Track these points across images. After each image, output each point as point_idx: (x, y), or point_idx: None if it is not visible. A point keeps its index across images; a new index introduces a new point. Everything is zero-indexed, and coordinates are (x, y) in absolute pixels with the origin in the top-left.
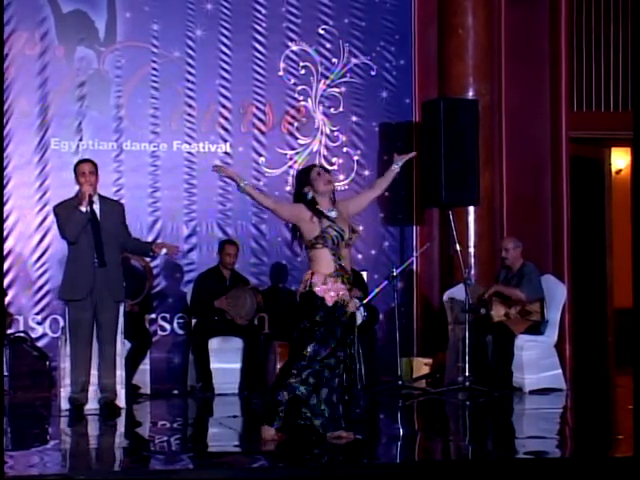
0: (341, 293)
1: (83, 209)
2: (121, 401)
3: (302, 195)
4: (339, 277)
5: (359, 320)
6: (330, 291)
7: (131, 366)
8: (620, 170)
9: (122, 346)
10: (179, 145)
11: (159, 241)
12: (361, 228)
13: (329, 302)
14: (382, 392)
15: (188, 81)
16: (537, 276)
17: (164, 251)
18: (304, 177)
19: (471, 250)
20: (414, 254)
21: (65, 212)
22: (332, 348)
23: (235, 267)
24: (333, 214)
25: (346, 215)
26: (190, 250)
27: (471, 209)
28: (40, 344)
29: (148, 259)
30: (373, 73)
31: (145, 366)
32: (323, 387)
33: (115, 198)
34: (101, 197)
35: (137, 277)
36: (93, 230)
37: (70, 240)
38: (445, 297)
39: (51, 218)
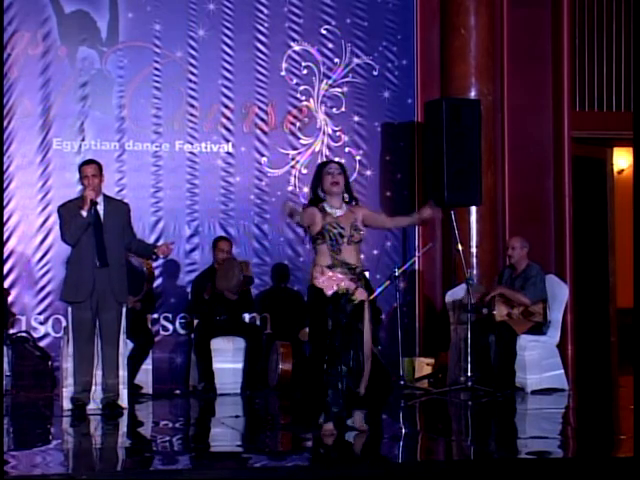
0: (342, 284)
1: (84, 213)
2: (123, 401)
3: (315, 188)
4: (338, 268)
5: None
6: (329, 281)
7: (133, 366)
8: (622, 170)
9: (124, 346)
10: (181, 145)
11: (161, 242)
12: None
13: (328, 292)
14: None
15: (190, 81)
16: (542, 279)
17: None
18: (318, 171)
19: (473, 250)
20: (416, 254)
21: (68, 215)
22: (340, 336)
23: None
24: (338, 212)
25: (356, 218)
26: (192, 250)
27: (473, 209)
28: (42, 344)
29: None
30: (375, 73)
31: (147, 366)
32: (343, 374)
33: (119, 198)
34: (107, 197)
35: (136, 276)
36: (95, 231)
37: (69, 243)
38: (447, 297)
39: (53, 218)
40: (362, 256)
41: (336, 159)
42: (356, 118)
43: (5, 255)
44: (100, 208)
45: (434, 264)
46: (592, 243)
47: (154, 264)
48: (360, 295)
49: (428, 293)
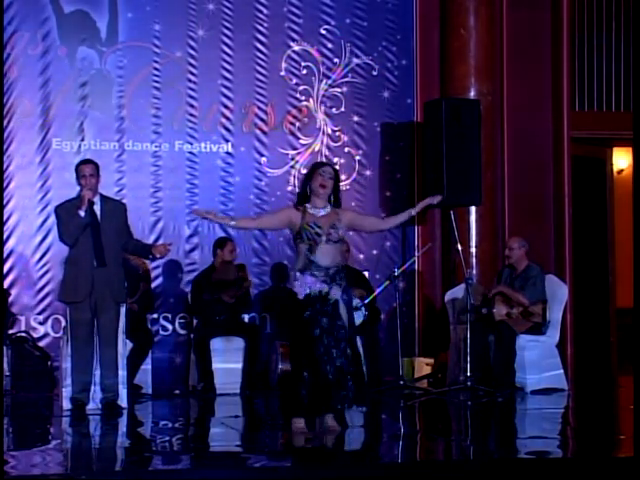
0: (314, 286)
1: (82, 213)
2: (123, 401)
3: (304, 187)
4: (309, 270)
5: (359, 319)
6: (302, 285)
7: (133, 366)
8: (622, 170)
9: (124, 346)
10: (181, 145)
11: (159, 242)
12: None
13: (300, 295)
14: (384, 392)
15: (190, 81)
16: (542, 280)
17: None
18: (310, 171)
19: (473, 250)
20: (416, 254)
21: (65, 215)
22: (319, 337)
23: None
24: (320, 212)
25: (340, 220)
26: (192, 250)
27: (473, 209)
28: (42, 344)
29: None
30: (375, 73)
31: (147, 366)
32: (322, 372)
33: (117, 198)
34: (103, 197)
35: (132, 277)
36: (92, 231)
37: (68, 243)
38: (447, 297)
39: (53, 218)
40: (361, 256)
41: (335, 159)
42: (356, 118)
43: (4, 255)
44: (97, 208)
45: (434, 264)
46: (592, 243)
47: (153, 264)
48: (334, 294)
49: (428, 293)
